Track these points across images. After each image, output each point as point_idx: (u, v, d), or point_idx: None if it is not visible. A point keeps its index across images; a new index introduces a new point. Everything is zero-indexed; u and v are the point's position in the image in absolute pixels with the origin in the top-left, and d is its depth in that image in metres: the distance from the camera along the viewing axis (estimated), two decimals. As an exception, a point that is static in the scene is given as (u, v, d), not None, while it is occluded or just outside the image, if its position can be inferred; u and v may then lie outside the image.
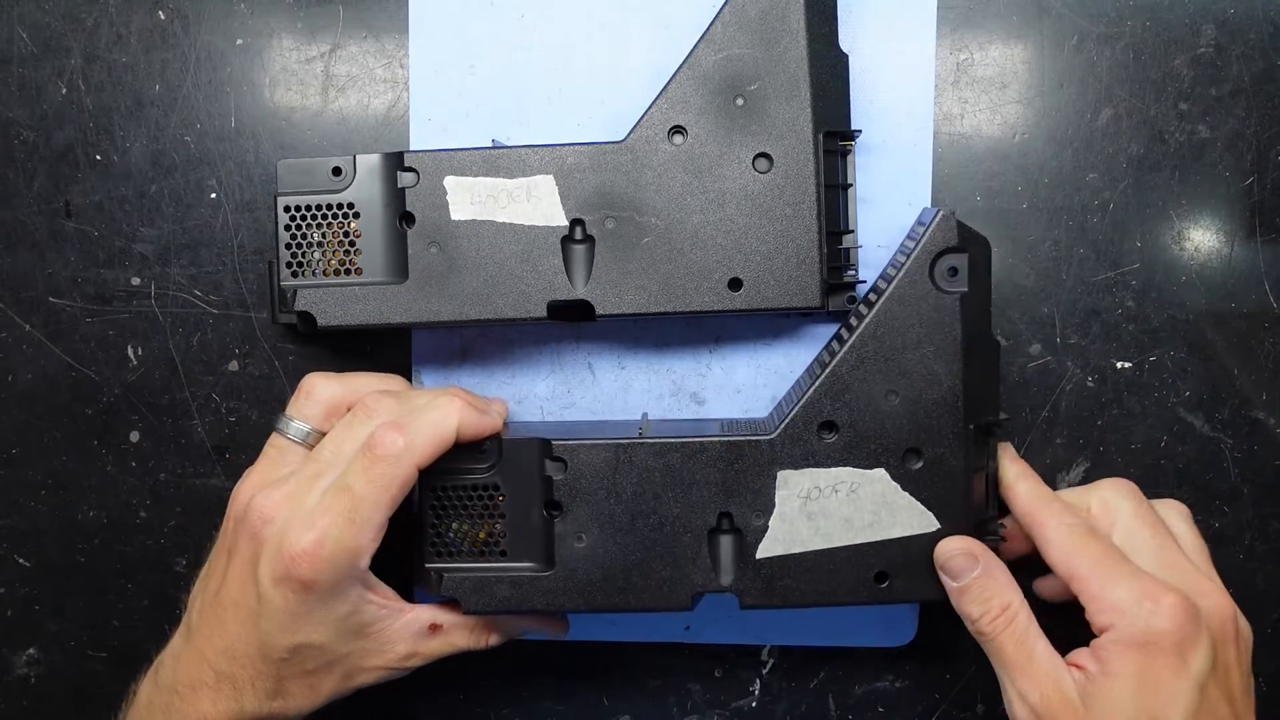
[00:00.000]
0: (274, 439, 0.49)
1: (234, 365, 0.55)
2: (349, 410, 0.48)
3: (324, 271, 0.49)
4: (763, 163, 0.48)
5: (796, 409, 0.47)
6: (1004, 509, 0.49)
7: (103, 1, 0.54)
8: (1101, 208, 0.53)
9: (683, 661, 0.56)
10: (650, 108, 0.48)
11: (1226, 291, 0.53)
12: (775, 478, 0.47)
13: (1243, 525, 0.54)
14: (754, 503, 0.47)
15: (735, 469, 0.47)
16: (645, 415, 0.54)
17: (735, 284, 0.48)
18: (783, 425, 0.47)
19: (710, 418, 0.53)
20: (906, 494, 0.47)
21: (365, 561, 0.45)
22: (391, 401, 0.47)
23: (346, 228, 0.49)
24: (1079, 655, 0.43)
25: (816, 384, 0.47)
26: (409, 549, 0.49)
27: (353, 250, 0.49)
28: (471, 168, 0.48)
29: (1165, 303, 0.53)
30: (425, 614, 0.48)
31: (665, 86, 0.48)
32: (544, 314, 0.48)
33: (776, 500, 0.47)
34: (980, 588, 0.45)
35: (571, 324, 0.51)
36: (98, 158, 0.54)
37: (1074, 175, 0.52)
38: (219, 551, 0.48)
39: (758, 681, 0.56)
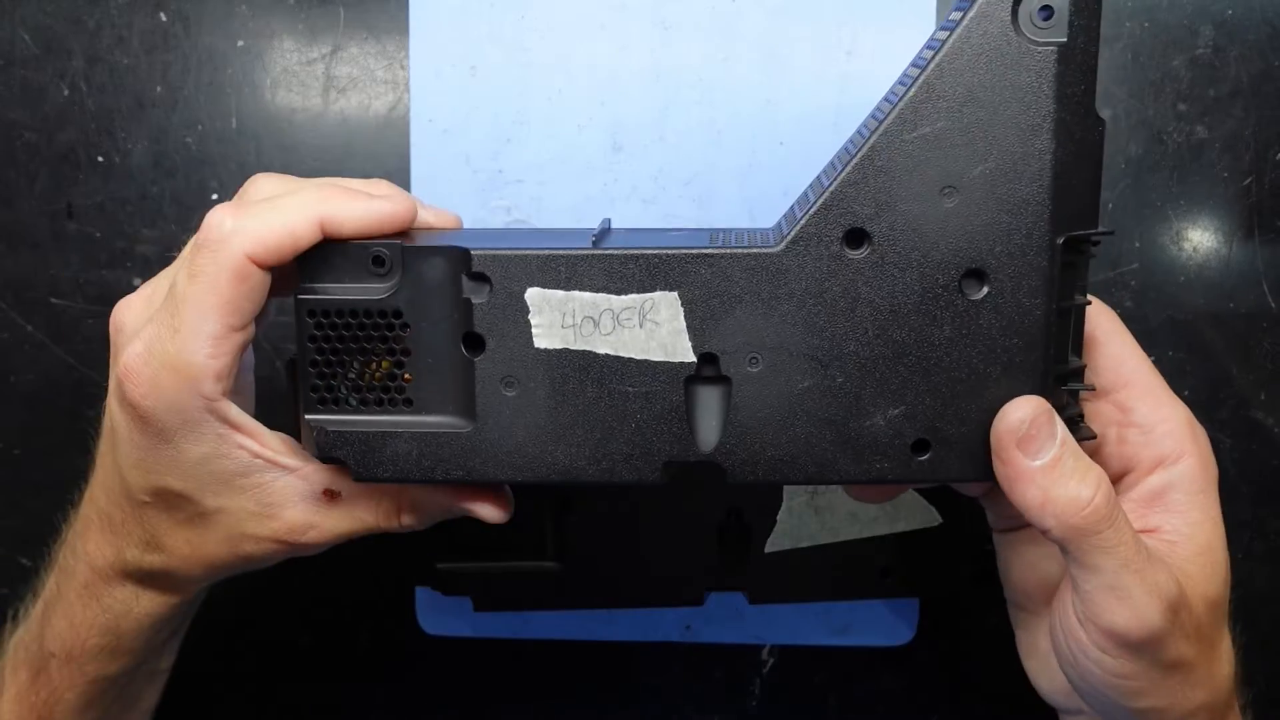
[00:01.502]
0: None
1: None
2: None
3: (362, 401, 0.37)
4: (973, 283, 0.35)
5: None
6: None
7: (104, 3, 0.54)
8: (1100, 208, 0.53)
9: (683, 661, 0.56)
10: (816, 201, 0.35)
11: (1225, 292, 0.53)
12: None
13: (1241, 525, 0.54)
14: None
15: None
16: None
17: (921, 446, 0.36)
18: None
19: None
20: (911, 489, 0.47)
21: (209, 386, 0.36)
22: (274, 185, 0.38)
23: (393, 344, 0.37)
24: (1133, 513, 0.36)
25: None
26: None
27: (400, 374, 0.37)
28: (563, 276, 0.35)
29: (1164, 303, 0.53)
30: (319, 476, 0.39)
31: (835, 166, 0.35)
32: (659, 478, 0.37)
33: (784, 495, 0.47)
34: (1074, 455, 0.34)
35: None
36: (99, 159, 0.54)
37: (1073, 175, 0.53)
38: None
39: (758, 681, 0.56)
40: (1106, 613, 0.34)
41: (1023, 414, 0.34)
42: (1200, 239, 0.53)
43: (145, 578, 0.41)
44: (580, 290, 0.35)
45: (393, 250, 0.36)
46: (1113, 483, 0.36)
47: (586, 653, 0.56)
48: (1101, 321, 0.39)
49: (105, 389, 0.55)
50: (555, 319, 0.35)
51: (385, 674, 0.57)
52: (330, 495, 0.39)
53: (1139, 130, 0.52)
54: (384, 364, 0.37)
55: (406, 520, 0.40)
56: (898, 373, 0.35)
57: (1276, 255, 0.53)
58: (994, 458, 0.35)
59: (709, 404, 0.36)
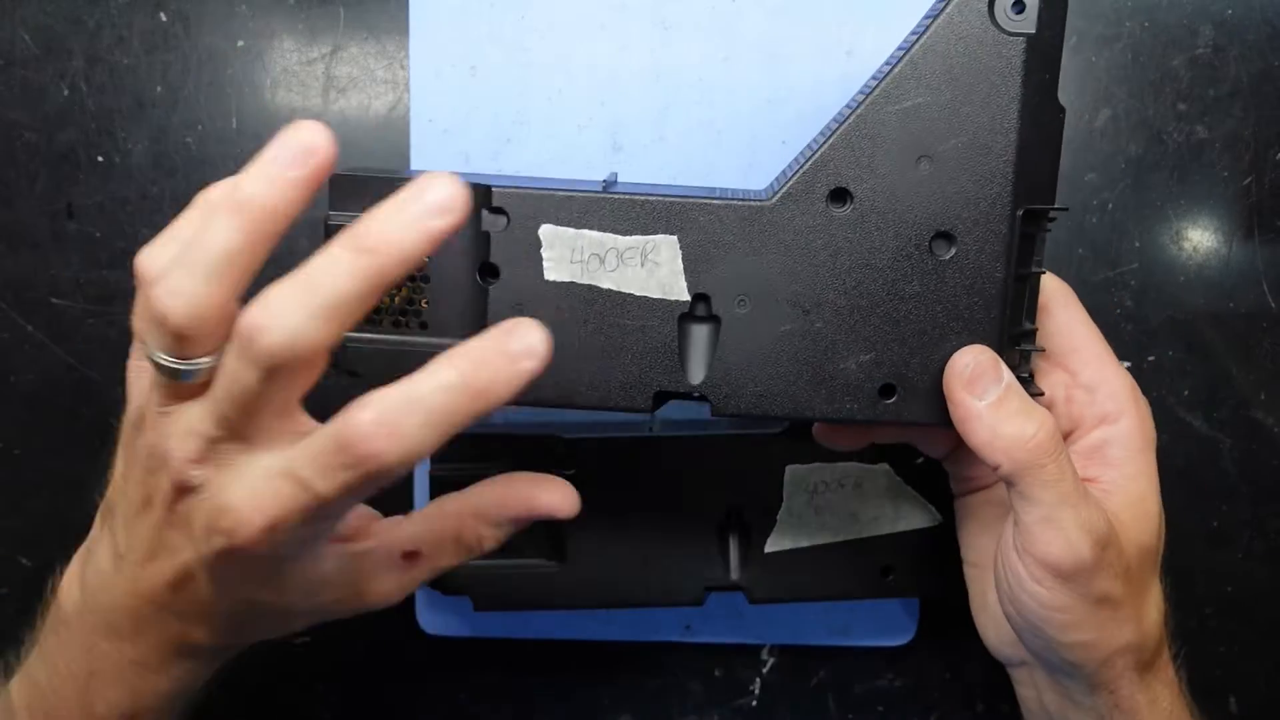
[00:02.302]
0: (149, 364, 0.35)
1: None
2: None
3: (381, 321, 0.39)
4: (942, 244, 0.38)
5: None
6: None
7: (104, 3, 0.54)
8: (1100, 208, 0.53)
9: (683, 661, 0.56)
10: (806, 162, 0.38)
11: (1225, 291, 0.53)
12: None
13: (1241, 524, 0.54)
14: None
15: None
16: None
17: (887, 390, 0.39)
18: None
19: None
20: (910, 489, 0.47)
21: (329, 528, 0.37)
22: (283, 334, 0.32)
23: (413, 270, 0.38)
24: (1075, 466, 0.39)
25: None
26: None
27: (419, 299, 0.39)
28: (576, 216, 0.39)
29: (1164, 303, 0.53)
30: (396, 540, 0.39)
31: (827, 135, 0.38)
32: (649, 405, 0.39)
33: (784, 495, 0.47)
34: (1018, 395, 0.37)
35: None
36: (99, 159, 0.54)
37: (1072, 175, 0.53)
38: (135, 483, 0.38)
39: (758, 681, 0.57)
40: (1042, 544, 0.37)
41: (968, 359, 0.38)
42: (1200, 239, 0.53)
43: (220, 651, 0.41)
44: (589, 229, 0.38)
45: None
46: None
47: (586, 653, 0.56)
48: (1055, 293, 0.42)
49: (104, 387, 0.55)
50: (565, 254, 0.38)
51: (385, 674, 0.57)
52: (410, 556, 0.39)
53: (1139, 130, 0.52)
54: (403, 290, 0.39)
55: (489, 546, 0.40)
56: (870, 322, 0.38)
57: (1276, 255, 0.53)
58: (948, 403, 0.38)
59: (699, 340, 0.39)
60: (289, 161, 0.33)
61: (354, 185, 0.38)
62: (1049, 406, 0.41)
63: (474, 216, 0.38)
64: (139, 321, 0.35)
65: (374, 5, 0.53)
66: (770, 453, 0.47)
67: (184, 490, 0.35)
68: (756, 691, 0.56)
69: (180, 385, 0.34)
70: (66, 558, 0.44)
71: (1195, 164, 0.52)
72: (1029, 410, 0.37)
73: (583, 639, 0.56)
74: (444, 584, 0.48)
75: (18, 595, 0.57)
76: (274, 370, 0.32)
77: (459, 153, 0.52)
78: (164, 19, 0.54)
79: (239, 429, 0.34)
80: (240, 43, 0.54)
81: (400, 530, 0.39)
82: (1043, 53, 0.37)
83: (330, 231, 0.38)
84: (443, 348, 0.37)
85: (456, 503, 0.40)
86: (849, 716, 0.56)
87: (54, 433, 0.56)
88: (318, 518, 0.34)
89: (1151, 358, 0.53)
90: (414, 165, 0.53)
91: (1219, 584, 0.54)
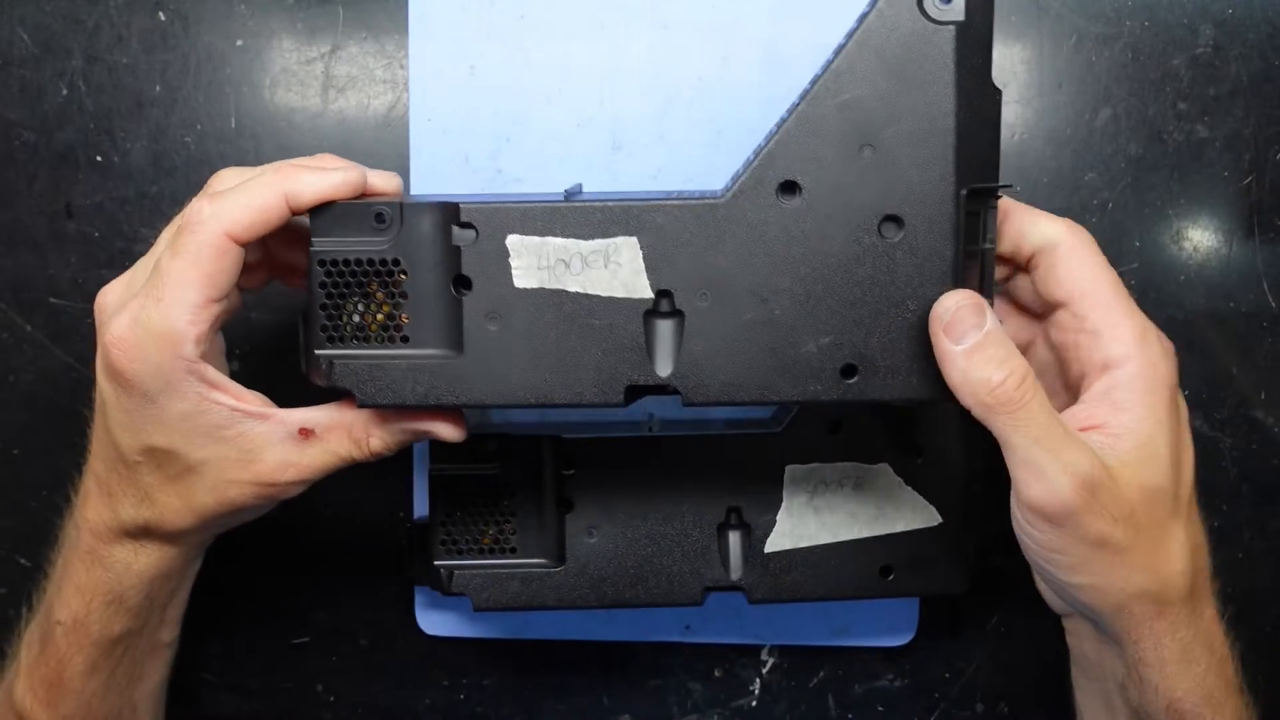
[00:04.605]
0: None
1: (234, 365, 0.55)
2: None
3: (366, 339, 0.42)
4: (891, 227, 0.39)
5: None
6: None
7: (103, 3, 0.54)
8: (1100, 207, 0.53)
9: (683, 661, 0.56)
10: (756, 158, 0.40)
11: (1225, 291, 0.53)
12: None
13: (1242, 524, 0.54)
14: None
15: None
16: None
17: (849, 370, 0.40)
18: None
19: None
20: (910, 489, 0.47)
21: (189, 349, 0.40)
22: (237, 175, 0.42)
23: (392, 288, 0.42)
24: (1082, 411, 0.41)
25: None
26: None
27: (399, 314, 0.42)
28: (539, 225, 0.40)
29: (1164, 302, 0.53)
30: (293, 416, 0.43)
31: (772, 132, 0.40)
32: (621, 400, 0.41)
33: (784, 495, 0.47)
34: (996, 343, 0.38)
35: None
36: (98, 159, 0.54)
37: (1072, 175, 0.52)
38: None
39: (758, 681, 0.57)
40: (1025, 487, 0.38)
41: (950, 303, 0.39)
42: (1200, 238, 0.53)
43: (141, 533, 0.44)
44: (554, 236, 0.40)
45: (392, 208, 0.41)
46: (1071, 386, 0.42)
47: (586, 653, 0.56)
48: (1068, 240, 0.42)
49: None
50: (532, 261, 0.40)
51: (385, 674, 0.57)
52: (305, 433, 0.42)
53: (1139, 129, 0.52)
54: (385, 307, 0.42)
55: (374, 444, 0.43)
56: (827, 306, 0.40)
57: (1276, 255, 0.53)
58: (932, 341, 0.39)
59: (665, 335, 0.40)
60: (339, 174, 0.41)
61: (334, 213, 0.41)
62: (1062, 351, 0.42)
63: (445, 232, 0.40)
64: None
65: (373, 5, 0.53)
66: (770, 453, 0.47)
67: (99, 328, 0.42)
68: (756, 691, 0.56)
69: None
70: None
71: (1195, 164, 0.52)
72: (1003, 359, 0.38)
73: (583, 639, 0.56)
74: (444, 584, 0.48)
75: (17, 595, 0.57)
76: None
77: (458, 152, 0.52)
78: (162, 18, 0.54)
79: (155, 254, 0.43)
80: (239, 42, 0.54)
81: (297, 411, 0.43)
82: (973, 38, 0.39)
83: (314, 259, 0.41)
84: (423, 358, 0.41)
85: (354, 408, 0.43)
86: (849, 716, 0.56)
87: (53, 433, 0.56)
88: (163, 301, 0.40)
89: (1152, 357, 0.53)
90: (413, 165, 0.53)
91: (1219, 584, 0.54)
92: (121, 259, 0.54)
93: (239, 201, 0.40)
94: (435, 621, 0.55)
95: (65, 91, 0.54)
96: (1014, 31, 0.52)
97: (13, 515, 0.56)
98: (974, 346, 0.38)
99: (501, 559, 0.48)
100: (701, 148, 0.52)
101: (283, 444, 0.42)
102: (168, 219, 0.54)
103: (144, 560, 0.44)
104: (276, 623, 0.57)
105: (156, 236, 0.54)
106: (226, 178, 0.43)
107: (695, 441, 0.48)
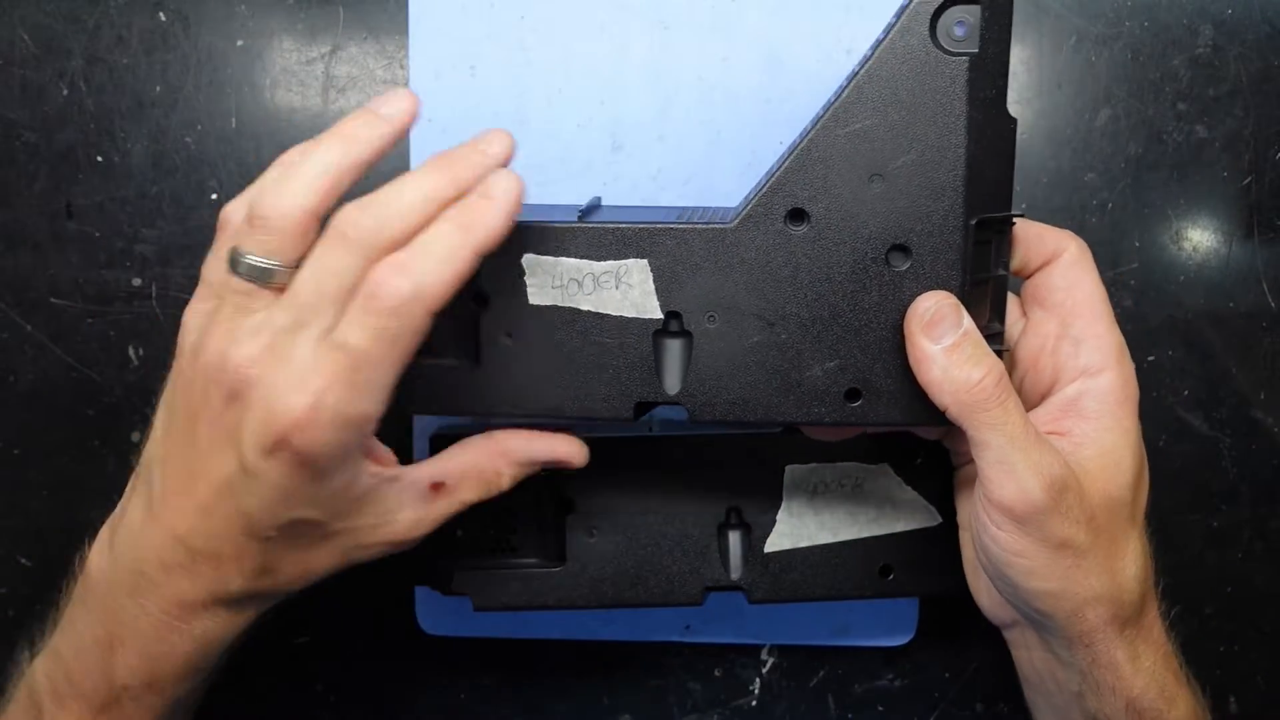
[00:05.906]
0: (228, 280, 0.39)
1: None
2: (320, 235, 0.38)
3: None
4: (898, 256, 0.40)
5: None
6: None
7: (104, 3, 0.54)
8: (1100, 208, 0.53)
9: (683, 661, 0.56)
10: (765, 184, 0.40)
11: (1225, 291, 0.53)
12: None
13: (1241, 524, 0.54)
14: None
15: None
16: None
17: (853, 394, 0.41)
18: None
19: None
20: (910, 489, 0.47)
21: (372, 428, 0.38)
22: (371, 221, 0.37)
23: None
24: (1045, 415, 0.41)
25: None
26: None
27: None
28: (553, 245, 0.41)
29: (1164, 302, 0.53)
30: (422, 472, 0.42)
31: (783, 158, 0.40)
32: (630, 415, 0.42)
33: (784, 495, 0.47)
34: (974, 343, 0.39)
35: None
36: (99, 159, 0.54)
37: (1072, 175, 0.53)
38: (181, 414, 0.39)
39: (758, 681, 0.57)
40: (996, 487, 0.38)
41: (929, 303, 0.39)
42: (1200, 239, 0.53)
43: (244, 601, 0.41)
44: (567, 257, 0.41)
45: None
46: (1043, 390, 0.43)
47: (586, 653, 0.56)
48: (1066, 250, 0.43)
49: (104, 387, 0.55)
50: (546, 280, 0.41)
51: (385, 674, 0.57)
52: (436, 488, 0.42)
53: (1139, 130, 0.52)
54: None
55: (505, 483, 0.43)
56: (832, 331, 0.40)
57: (1276, 255, 0.53)
58: (907, 344, 0.39)
59: (674, 354, 0.42)
60: (385, 112, 0.39)
61: None
62: (1038, 353, 0.43)
63: None
64: (214, 260, 0.40)
65: (374, 5, 0.53)
66: (770, 453, 0.47)
67: (235, 396, 0.37)
68: (756, 691, 0.57)
69: (258, 291, 0.38)
70: (66, 558, 0.44)
71: (1195, 164, 0.52)
72: (979, 357, 0.38)
73: (583, 639, 0.56)
74: (444, 584, 0.48)
75: (18, 595, 0.57)
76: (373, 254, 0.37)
77: (459, 153, 0.52)
78: (163, 19, 0.54)
79: (306, 318, 0.37)
80: (239, 42, 0.54)
81: (426, 465, 0.42)
82: (987, 69, 0.39)
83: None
84: (444, 369, 0.42)
85: (481, 441, 0.43)
86: (849, 716, 0.56)
87: (53, 433, 0.56)
88: (359, 388, 0.37)
89: (1151, 358, 0.53)
90: (414, 165, 0.53)
91: (1219, 584, 0.54)
92: (122, 259, 0.54)
93: (441, 276, 0.37)
94: (435, 621, 0.56)
95: (66, 92, 0.54)
96: (1014, 32, 0.52)
97: (13, 515, 0.56)
98: (953, 345, 0.38)
99: (501, 559, 0.48)
100: (701, 147, 0.52)
101: (414, 504, 0.41)
102: (168, 219, 0.55)
103: (233, 626, 0.41)
104: (276, 623, 0.57)
105: (156, 236, 0.54)
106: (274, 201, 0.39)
107: (695, 441, 0.48)
